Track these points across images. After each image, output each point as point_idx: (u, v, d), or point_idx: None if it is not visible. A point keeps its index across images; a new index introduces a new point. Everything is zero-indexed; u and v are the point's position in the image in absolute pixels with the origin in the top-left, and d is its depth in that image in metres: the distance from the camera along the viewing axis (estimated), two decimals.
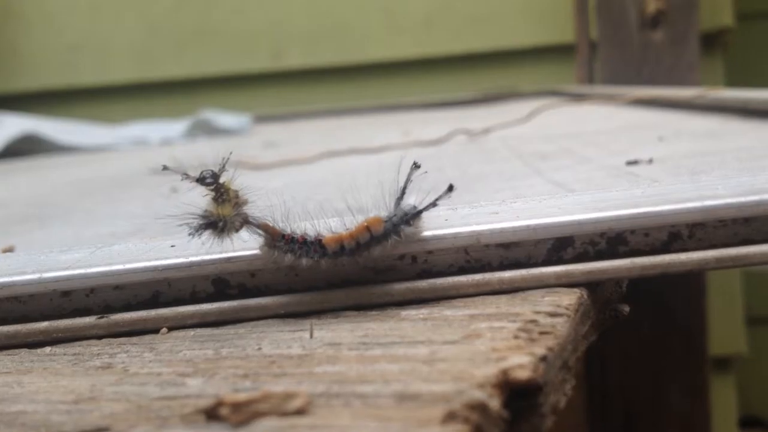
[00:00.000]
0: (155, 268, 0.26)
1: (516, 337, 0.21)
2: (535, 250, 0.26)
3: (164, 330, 0.25)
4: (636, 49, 1.46)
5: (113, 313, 0.25)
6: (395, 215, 0.26)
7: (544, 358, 0.20)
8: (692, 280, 1.21)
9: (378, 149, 0.81)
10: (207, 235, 0.25)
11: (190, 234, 0.25)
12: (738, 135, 0.63)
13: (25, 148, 1.19)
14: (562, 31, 1.57)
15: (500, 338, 0.21)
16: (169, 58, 1.77)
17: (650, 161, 0.49)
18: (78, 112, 1.70)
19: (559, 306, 0.23)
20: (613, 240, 0.26)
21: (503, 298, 0.24)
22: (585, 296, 0.25)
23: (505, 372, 0.18)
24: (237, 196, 0.25)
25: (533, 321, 0.22)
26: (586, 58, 1.53)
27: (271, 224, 0.26)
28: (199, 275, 0.26)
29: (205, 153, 1.06)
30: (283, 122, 1.50)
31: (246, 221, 0.26)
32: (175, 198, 0.63)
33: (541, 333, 0.21)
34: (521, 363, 0.19)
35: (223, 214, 0.25)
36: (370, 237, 0.26)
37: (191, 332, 0.25)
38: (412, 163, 0.28)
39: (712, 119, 0.74)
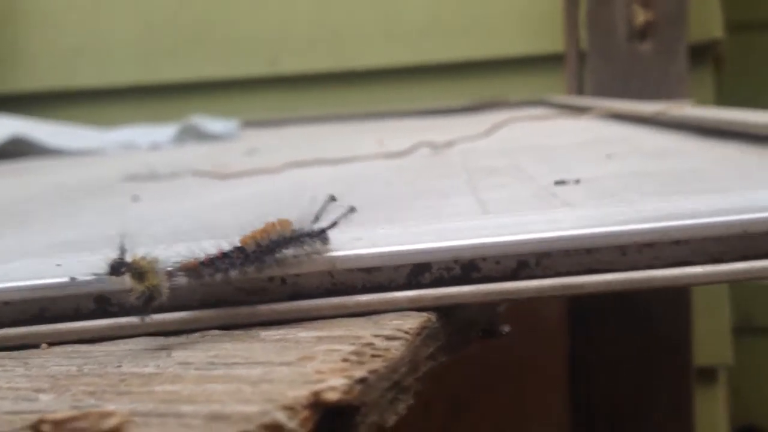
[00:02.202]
0: (36, 287, 0.28)
1: (345, 360, 0.23)
2: (396, 274, 0.28)
3: (44, 345, 0.27)
4: (624, 60, 1.47)
5: (3, 328, 0.28)
6: (302, 227, 0.29)
7: (363, 380, 0.22)
8: (676, 291, 1.23)
9: (342, 160, 0.83)
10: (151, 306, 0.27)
11: (140, 314, 0.27)
12: (685, 156, 0.65)
13: (10, 150, 1.22)
14: (555, 41, 1.59)
15: (330, 360, 0.23)
16: (168, 61, 1.79)
17: (577, 182, 0.51)
18: (77, 114, 1.73)
19: (400, 330, 0.25)
20: (466, 266, 0.28)
21: (359, 321, 0.27)
22: (433, 320, 0.27)
23: (316, 394, 0.20)
24: (149, 263, 0.27)
25: (370, 344, 0.24)
26: (575, 69, 1.54)
27: (186, 262, 0.28)
28: (82, 293, 0.28)
29: (186, 158, 1.08)
30: (274, 128, 1.52)
31: (170, 276, 0.27)
32: (134, 207, 0.65)
33: (373, 356, 0.23)
34: (335, 385, 0.21)
35: (148, 285, 0.26)
36: (280, 237, 0.28)
37: (69, 348, 0.27)
38: (328, 195, 0.30)
39: (674, 137, 0.75)
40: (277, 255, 0.28)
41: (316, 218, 0.29)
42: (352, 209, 0.30)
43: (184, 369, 0.23)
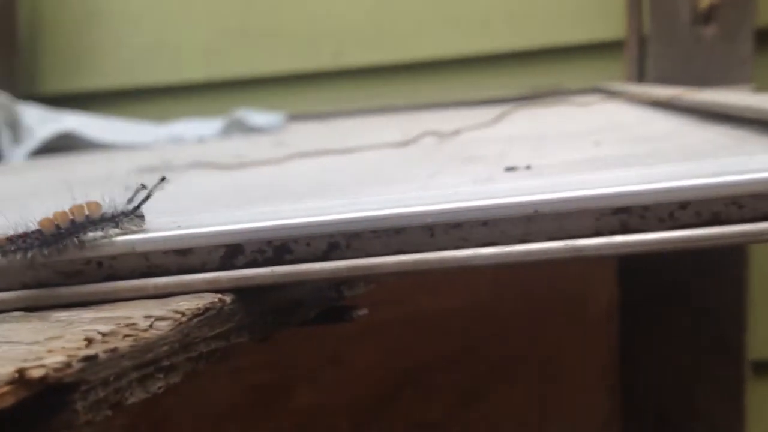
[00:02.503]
0: None
1: (87, 339, 0.22)
2: (209, 258, 0.28)
3: None
4: (687, 45, 1.42)
5: None
6: (116, 207, 0.29)
7: (90, 358, 0.21)
8: (732, 279, 1.18)
9: (346, 150, 0.83)
10: None
11: None
12: (669, 138, 0.62)
13: (62, 144, 1.26)
14: (615, 28, 1.54)
15: (74, 340, 0.23)
16: (236, 57, 1.83)
17: (528, 167, 0.50)
18: (150, 111, 1.78)
19: (175, 311, 0.25)
20: (279, 249, 0.27)
21: (149, 303, 0.26)
22: (227, 301, 0.26)
23: (21, 371, 0.20)
24: None
25: (131, 324, 0.24)
26: (635, 55, 1.49)
27: None
28: None
29: (210, 151, 1.10)
30: (322, 120, 1.53)
31: None
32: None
33: (126, 336, 0.23)
34: (45, 363, 0.21)
35: None
36: (86, 219, 0.28)
37: None
38: (160, 177, 0.30)
39: (680, 121, 0.72)
40: (81, 237, 0.28)
41: (130, 201, 0.29)
42: (163, 179, 0.29)
43: None
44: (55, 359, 0.21)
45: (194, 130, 1.33)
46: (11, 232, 0.28)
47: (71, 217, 0.28)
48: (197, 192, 0.64)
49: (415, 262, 0.26)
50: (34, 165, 1.18)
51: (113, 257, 0.28)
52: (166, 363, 0.24)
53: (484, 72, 1.60)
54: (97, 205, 0.28)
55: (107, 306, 0.27)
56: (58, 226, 0.28)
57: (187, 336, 0.24)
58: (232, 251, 0.28)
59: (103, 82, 1.88)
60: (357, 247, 0.27)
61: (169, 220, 0.29)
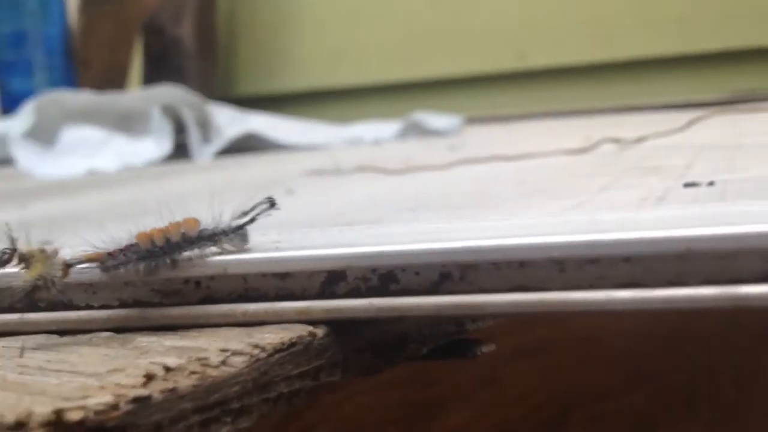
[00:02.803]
0: None
1: (146, 375, 0.20)
2: (309, 283, 0.25)
3: None
4: None
5: None
6: (216, 225, 0.26)
7: (141, 399, 0.19)
8: None
9: (517, 157, 0.78)
10: (39, 298, 0.26)
11: (21, 306, 0.26)
12: None
13: (247, 144, 1.30)
14: None
15: (134, 375, 0.20)
16: (421, 59, 1.82)
17: (711, 184, 0.43)
18: (336, 112, 1.80)
19: (254, 345, 0.22)
20: (384, 277, 0.24)
21: (233, 331, 0.23)
22: (319, 335, 0.23)
23: (59, 412, 0.18)
24: (44, 251, 0.26)
25: (203, 359, 0.21)
26: None
27: (91, 252, 0.27)
28: (12, 287, 0.27)
29: (381, 153, 1.09)
30: (505, 123, 1.48)
31: (66, 266, 0.26)
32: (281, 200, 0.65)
33: (192, 373, 0.20)
34: (87, 404, 0.18)
35: (37, 274, 0.25)
36: (182, 237, 0.26)
37: None
38: (267, 199, 0.28)
39: None
40: (175, 256, 0.25)
41: (241, 217, 0.26)
42: (272, 204, 0.26)
43: (13, 373, 0.22)
44: (101, 399, 0.19)
45: (372, 133, 1.32)
46: (113, 247, 0.26)
47: (167, 236, 0.26)
48: (352, 198, 0.62)
49: (535, 303, 0.21)
50: (217, 164, 1.21)
51: (211, 278, 0.26)
52: (236, 405, 0.21)
53: (678, 74, 1.50)
54: (195, 222, 0.26)
55: (193, 332, 0.24)
56: (153, 243, 0.26)
57: (265, 374, 0.21)
58: (333, 277, 0.24)
59: (292, 85, 1.93)
60: (471, 280, 0.23)
61: (272, 240, 0.26)
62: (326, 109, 1.84)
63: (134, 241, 0.26)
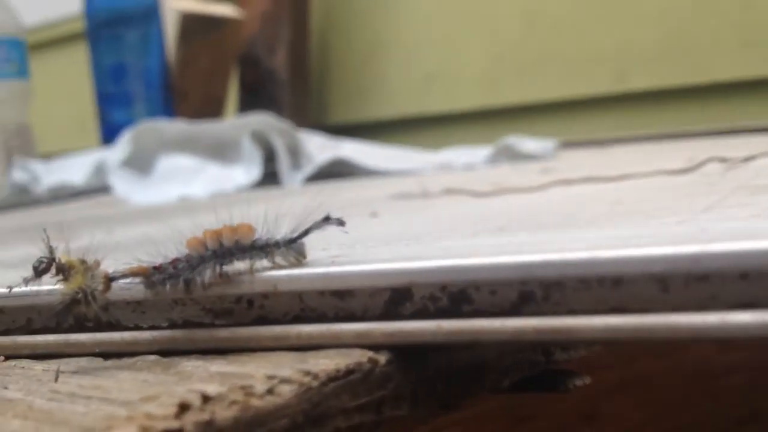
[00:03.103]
0: (13, 295, 0.26)
1: (180, 405, 0.17)
2: (371, 303, 0.22)
3: (1, 358, 0.25)
4: None
5: None
6: (271, 237, 0.24)
7: None
8: None
9: (614, 178, 0.74)
10: (78, 313, 0.24)
11: (58, 322, 0.25)
12: None
13: (337, 170, 1.29)
14: None
15: (167, 404, 0.18)
16: (514, 84, 1.79)
17: None
18: (428, 139, 1.78)
19: (305, 372, 0.19)
20: (455, 297, 0.21)
21: (285, 356, 0.21)
22: (378, 362, 0.20)
23: None
24: (84, 263, 0.24)
25: (247, 387, 0.18)
26: None
27: (135, 266, 0.25)
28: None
29: (472, 177, 1.06)
30: (601, 147, 1.43)
31: (108, 279, 0.24)
32: (364, 222, 0.63)
33: (232, 403, 0.18)
34: None
35: (76, 287, 0.23)
36: (234, 244, 0.23)
37: (12, 363, 0.24)
38: (330, 218, 0.25)
39: None
40: (226, 264, 0.23)
41: (303, 231, 0.24)
42: (339, 222, 0.24)
43: (41, 399, 0.20)
44: None
45: (463, 158, 1.29)
46: (159, 260, 0.24)
47: (219, 239, 0.23)
48: (436, 218, 0.59)
49: (633, 328, 0.18)
50: (306, 189, 1.20)
51: (265, 296, 0.23)
52: None
53: None
54: (250, 229, 0.23)
55: (243, 357, 0.22)
56: (205, 247, 0.23)
57: (317, 406, 0.19)
58: (398, 297, 0.21)
59: (384, 112, 1.91)
60: (557, 300, 0.20)
61: (331, 255, 0.24)
62: (418, 136, 1.82)
63: (183, 253, 0.23)
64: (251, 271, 0.23)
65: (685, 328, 0.18)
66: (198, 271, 0.23)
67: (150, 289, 0.24)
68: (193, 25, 1.77)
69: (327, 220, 0.24)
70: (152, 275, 0.24)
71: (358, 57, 1.96)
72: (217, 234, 0.23)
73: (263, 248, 0.23)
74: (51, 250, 0.23)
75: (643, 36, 1.58)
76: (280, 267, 0.23)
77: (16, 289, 0.24)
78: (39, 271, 0.23)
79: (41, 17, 2.03)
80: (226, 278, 0.23)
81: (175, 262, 0.24)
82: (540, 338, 0.19)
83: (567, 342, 0.21)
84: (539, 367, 0.24)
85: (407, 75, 1.87)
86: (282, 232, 0.24)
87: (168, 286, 0.23)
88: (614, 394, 0.67)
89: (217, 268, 0.23)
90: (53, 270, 0.23)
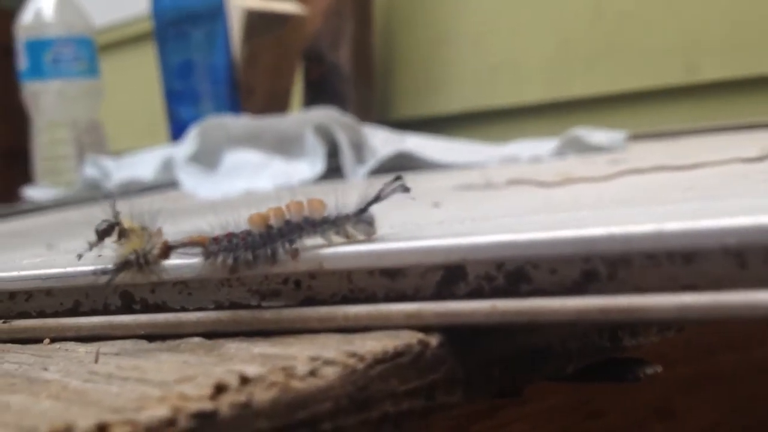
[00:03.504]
0: (65, 276, 0.25)
1: (217, 386, 0.16)
2: (423, 283, 0.21)
3: (47, 341, 0.25)
4: None
5: (20, 319, 0.26)
6: (340, 211, 0.23)
7: (201, 416, 0.15)
8: None
9: (685, 167, 0.71)
10: (127, 275, 0.23)
11: (107, 284, 0.24)
12: None
13: (401, 164, 1.28)
14: None
15: (203, 384, 0.17)
16: (581, 75, 1.75)
17: None
18: (494, 132, 1.76)
19: (351, 354, 0.18)
20: (512, 275, 0.19)
21: (333, 338, 0.20)
22: (429, 344, 0.19)
23: (103, 427, 0.15)
24: (145, 229, 0.23)
25: (288, 368, 0.17)
26: None
27: (195, 236, 0.24)
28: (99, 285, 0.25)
29: (535, 169, 1.04)
30: (671, 139, 1.39)
31: (167, 246, 0.23)
32: (427, 212, 0.62)
33: (272, 384, 0.17)
34: (137, 418, 0.15)
35: (132, 249, 0.23)
36: (304, 220, 0.23)
37: (57, 345, 0.24)
38: (397, 182, 0.24)
39: None
40: (295, 240, 0.22)
41: (371, 199, 0.23)
42: (398, 177, 0.23)
43: (78, 380, 0.19)
44: (156, 412, 0.15)
45: (529, 150, 1.27)
46: (214, 233, 0.23)
47: (287, 217, 0.22)
48: (499, 206, 0.58)
49: (710, 307, 0.16)
50: (370, 183, 1.19)
51: (312, 276, 0.22)
52: (327, 426, 0.17)
53: None
54: (321, 204, 0.22)
55: (289, 338, 0.21)
56: (269, 226, 0.22)
57: (363, 389, 0.17)
58: (451, 275, 0.20)
59: (449, 106, 1.89)
60: (624, 278, 0.18)
61: (380, 234, 0.22)
62: (484, 130, 1.80)
63: (246, 228, 0.22)
64: (327, 244, 0.22)
65: (766, 306, 0.16)
66: (260, 246, 0.22)
67: (207, 259, 0.23)
68: (258, 22, 1.78)
69: (392, 184, 0.23)
70: (210, 245, 0.23)
71: (422, 50, 1.95)
72: (282, 211, 0.22)
73: (333, 222, 0.22)
74: (115, 215, 0.22)
75: (713, 25, 1.53)
76: (360, 242, 0.22)
77: (84, 258, 0.24)
78: (101, 233, 0.22)
79: (111, 18, 2.07)
80: (296, 253, 0.22)
81: (239, 234, 0.23)
82: (605, 319, 0.17)
83: (636, 324, 0.20)
84: (606, 353, 0.22)
85: (472, 68, 1.85)
86: (350, 208, 0.23)
87: (222, 259, 0.22)
88: (690, 389, 0.65)
89: (286, 244, 0.22)
90: (115, 234, 0.22)
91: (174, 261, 0.23)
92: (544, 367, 0.21)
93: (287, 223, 0.22)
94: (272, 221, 0.22)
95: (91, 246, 0.23)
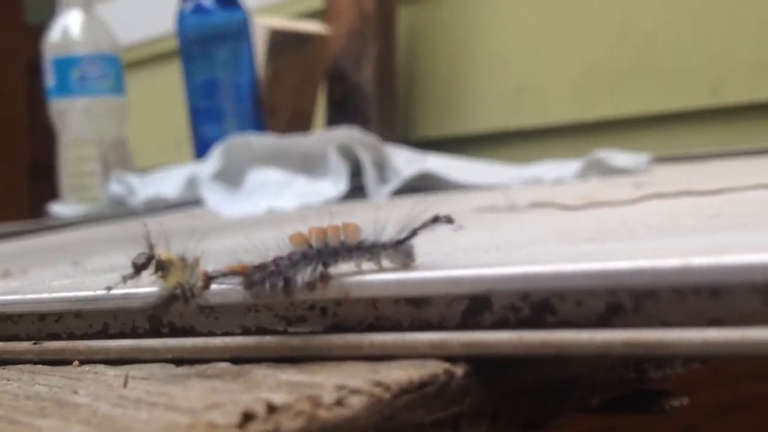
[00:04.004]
0: (80, 299, 0.26)
1: (246, 414, 0.17)
2: (449, 312, 0.21)
3: (76, 363, 0.25)
4: None
5: (50, 341, 0.26)
6: (377, 238, 0.23)
7: None
8: None
9: (711, 192, 0.71)
10: (175, 309, 0.23)
11: (155, 315, 0.24)
12: None
13: (423, 184, 1.29)
14: None
15: (230, 412, 0.17)
16: (605, 97, 1.75)
17: None
18: (518, 153, 1.76)
19: (376, 383, 0.18)
20: (538, 307, 0.19)
21: (359, 366, 0.20)
22: (455, 374, 0.19)
23: None
24: (184, 260, 0.23)
25: (315, 397, 0.18)
26: None
27: (235, 265, 0.24)
28: (136, 309, 0.25)
29: (560, 191, 1.04)
30: (696, 162, 1.38)
31: (208, 278, 0.23)
32: (446, 235, 0.62)
33: (298, 414, 0.17)
34: None
35: (175, 283, 0.23)
36: (340, 244, 0.23)
37: (86, 368, 0.24)
38: (439, 218, 0.24)
39: None
40: (330, 263, 0.22)
41: (411, 231, 0.23)
42: (449, 220, 0.23)
43: (107, 405, 0.19)
44: None
45: (552, 172, 1.27)
46: (257, 260, 0.23)
47: (325, 238, 0.22)
48: (522, 230, 0.58)
49: (735, 343, 0.16)
50: (392, 203, 1.19)
51: (338, 303, 0.22)
52: None
53: None
54: (356, 229, 0.23)
55: (315, 365, 0.21)
56: (310, 245, 0.22)
57: (389, 419, 0.18)
58: (476, 306, 0.20)
59: (472, 126, 1.90)
60: (649, 311, 0.18)
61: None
62: (507, 150, 1.80)
63: (284, 253, 0.23)
64: (359, 271, 0.22)
65: None
66: (299, 270, 0.22)
67: (249, 289, 0.23)
68: (282, 41, 1.80)
69: (436, 220, 0.23)
70: (253, 274, 0.23)
71: (445, 71, 1.95)
72: (323, 232, 0.22)
73: (370, 249, 0.22)
74: (151, 247, 0.22)
75: (739, 48, 1.53)
76: (388, 269, 0.22)
77: (114, 291, 0.24)
78: (139, 267, 0.22)
79: (137, 36, 2.09)
80: (327, 279, 0.22)
81: (277, 260, 0.23)
82: (630, 352, 0.17)
83: (661, 358, 0.20)
84: (632, 385, 0.22)
85: (496, 88, 1.85)
86: (388, 234, 0.23)
87: (268, 286, 0.22)
88: (716, 418, 0.64)
89: (320, 268, 0.22)
90: (153, 267, 0.22)
91: (217, 287, 0.23)
92: (570, 398, 0.21)
93: (326, 244, 0.22)
94: (313, 241, 0.22)
95: (126, 279, 0.23)
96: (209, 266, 0.23)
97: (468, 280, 0.20)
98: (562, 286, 0.19)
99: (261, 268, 0.23)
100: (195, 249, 0.23)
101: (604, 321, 0.19)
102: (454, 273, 0.20)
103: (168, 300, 0.22)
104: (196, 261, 0.23)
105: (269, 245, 0.23)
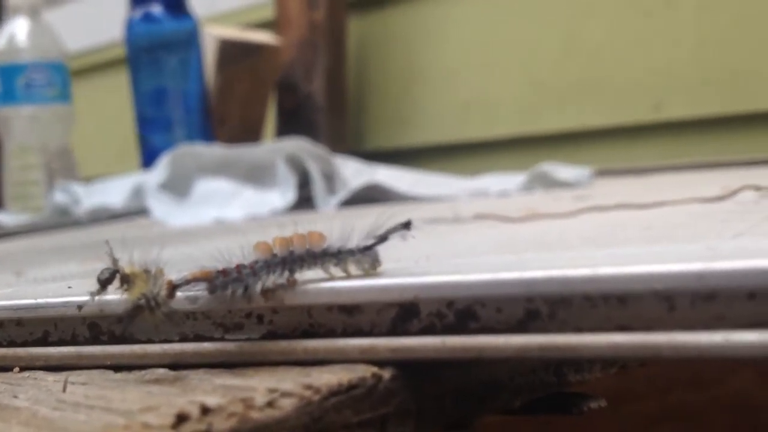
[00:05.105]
0: (36, 307, 0.26)
1: (178, 416, 0.17)
2: (379, 319, 0.22)
3: (16, 369, 0.26)
4: None
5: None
6: (343, 245, 0.24)
7: None
8: None
9: (646, 206, 0.73)
10: (142, 320, 0.24)
11: (123, 330, 0.25)
12: None
13: (371, 195, 1.29)
14: None
15: (165, 414, 0.18)
16: (550, 112, 1.78)
17: None
18: (466, 165, 1.78)
19: (306, 386, 0.19)
20: (462, 314, 0.21)
21: (292, 371, 0.21)
22: (382, 377, 0.20)
23: None
24: (147, 271, 0.24)
25: (247, 399, 0.18)
26: None
27: (198, 271, 0.24)
28: (77, 317, 0.26)
29: (502, 204, 1.05)
30: (637, 176, 1.42)
31: (173, 286, 0.24)
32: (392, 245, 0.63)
33: (231, 415, 0.18)
34: None
35: (139, 293, 0.23)
36: (306, 251, 0.23)
37: (26, 374, 0.25)
38: (408, 224, 0.25)
39: None
40: (296, 270, 0.23)
41: (379, 237, 0.24)
42: (407, 224, 0.24)
43: (47, 408, 0.20)
44: None
45: (498, 185, 1.29)
46: (221, 266, 0.24)
47: (290, 246, 0.23)
48: (464, 241, 0.59)
49: (638, 346, 0.18)
50: (340, 214, 1.20)
51: (274, 311, 0.23)
52: None
53: None
54: (321, 237, 0.23)
55: (250, 370, 0.22)
56: (274, 254, 0.23)
57: (318, 420, 0.19)
58: (405, 313, 0.21)
59: (421, 138, 1.92)
60: (563, 318, 0.19)
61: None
62: (455, 163, 1.82)
63: (250, 259, 0.23)
64: (330, 277, 0.23)
65: (691, 347, 0.17)
66: (261, 277, 0.23)
67: (212, 293, 0.23)
68: (232, 51, 1.79)
69: (405, 226, 0.24)
70: (216, 279, 0.23)
71: (395, 83, 1.97)
72: (287, 241, 0.23)
73: (336, 255, 0.23)
74: (114, 261, 0.23)
75: (680, 65, 1.57)
76: (355, 276, 0.23)
77: (85, 309, 0.25)
78: (104, 282, 0.23)
79: (85, 44, 2.07)
80: (294, 283, 0.23)
81: (239, 267, 0.23)
82: (544, 355, 0.19)
83: (573, 361, 0.21)
84: (552, 388, 0.23)
85: (445, 101, 1.88)
86: (353, 241, 0.24)
87: (230, 291, 0.23)
88: (652, 425, 0.66)
89: (286, 274, 0.23)
90: (117, 281, 0.23)
91: (183, 294, 0.24)
92: (493, 400, 0.22)
93: (291, 253, 0.23)
94: (277, 249, 0.23)
95: (93, 295, 0.23)
96: (172, 274, 0.24)
97: (396, 288, 0.21)
98: (483, 294, 0.20)
99: (225, 273, 0.23)
100: (157, 259, 0.23)
101: (522, 327, 0.20)
102: (384, 282, 0.21)
103: (133, 311, 0.23)
104: (160, 271, 0.23)
105: (234, 253, 0.24)
